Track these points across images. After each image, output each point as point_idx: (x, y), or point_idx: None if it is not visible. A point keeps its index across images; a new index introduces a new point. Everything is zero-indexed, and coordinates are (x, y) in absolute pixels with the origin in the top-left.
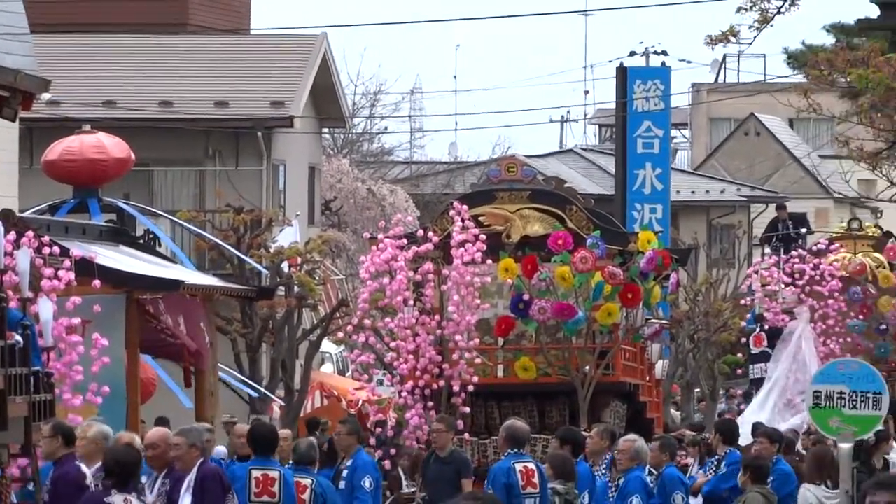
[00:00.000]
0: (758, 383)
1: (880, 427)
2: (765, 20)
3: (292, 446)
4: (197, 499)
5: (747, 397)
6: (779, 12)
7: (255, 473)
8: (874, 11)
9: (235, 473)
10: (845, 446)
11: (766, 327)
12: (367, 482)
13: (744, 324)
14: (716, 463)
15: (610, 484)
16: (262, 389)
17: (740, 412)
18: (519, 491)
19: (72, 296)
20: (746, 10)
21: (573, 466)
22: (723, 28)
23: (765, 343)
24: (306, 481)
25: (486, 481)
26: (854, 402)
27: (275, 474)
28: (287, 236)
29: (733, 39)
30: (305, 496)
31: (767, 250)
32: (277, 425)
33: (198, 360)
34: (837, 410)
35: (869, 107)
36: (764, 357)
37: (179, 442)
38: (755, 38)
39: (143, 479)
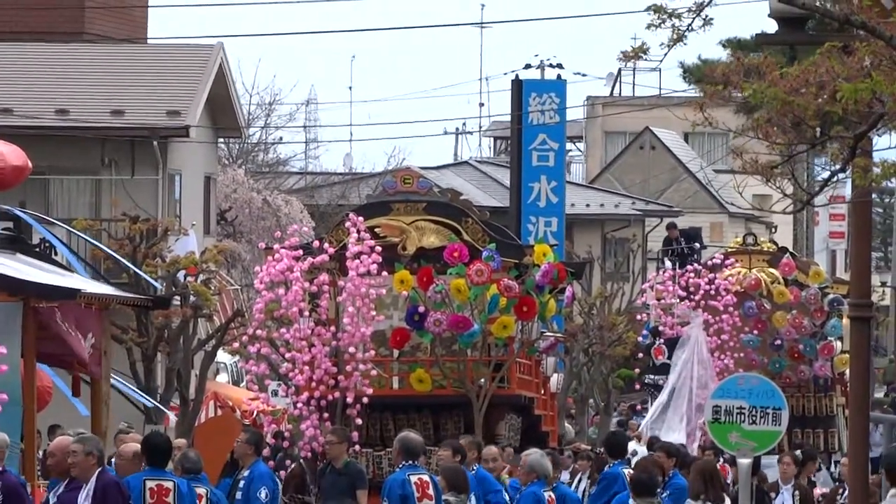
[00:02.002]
0: (652, 388)
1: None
2: (678, 38)
3: (181, 455)
4: None
5: (643, 406)
6: (690, 29)
7: (150, 484)
8: (771, 27)
9: (130, 484)
10: (745, 462)
11: (663, 340)
12: (262, 493)
13: (640, 339)
14: None
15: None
16: (155, 402)
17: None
18: (414, 502)
19: None
20: (657, 27)
21: (466, 478)
22: (631, 44)
23: (665, 355)
24: (201, 490)
25: (381, 493)
26: (754, 418)
27: (169, 485)
28: (185, 246)
29: (644, 56)
30: None
31: (668, 263)
32: (172, 435)
33: (90, 368)
34: (737, 426)
35: (765, 121)
36: (665, 369)
37: (77, 449)
38: (665, 55)
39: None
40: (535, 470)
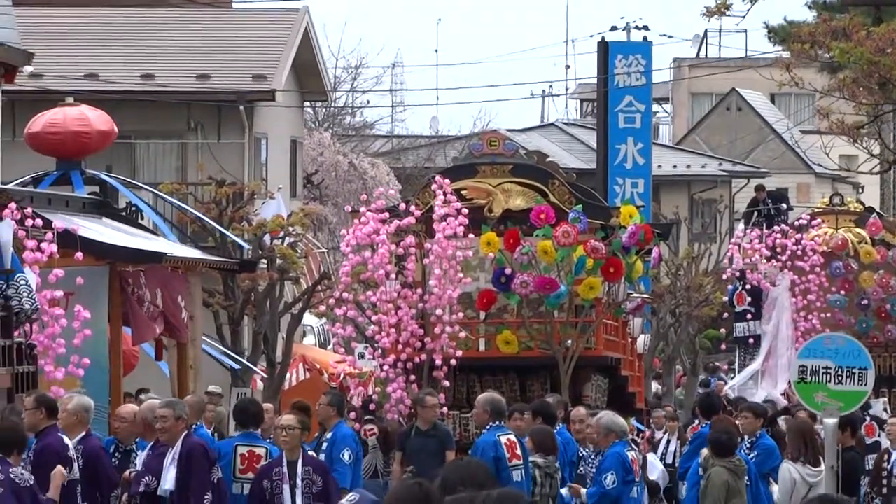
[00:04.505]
0: (742, 342)
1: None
2: None
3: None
4: (182, 471)
5: (730, 366)
6: None
7: (242, 450)
8: None
9: (221, 450)
10: (830, 422)
11: (749, 286)
12: (346, 455)
13: (725, 299)
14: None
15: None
16: (245, 361)
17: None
18: (506, 464)
19: (55, 268)
20: None
21: (554, 440)
22: (716, 1)
23: (747, 301)
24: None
25: (470, 454)
26: (840, 378)
27: (261, 451)
28: (272, 209)
29: (727, 12)
30: None
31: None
32: (259, 398)
33: (174, 333)
34: (823, 385)
35: (851, 81)
36: (744, 316)
37: (166, 414)
38: (749, 10)
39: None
40: (612, 430)
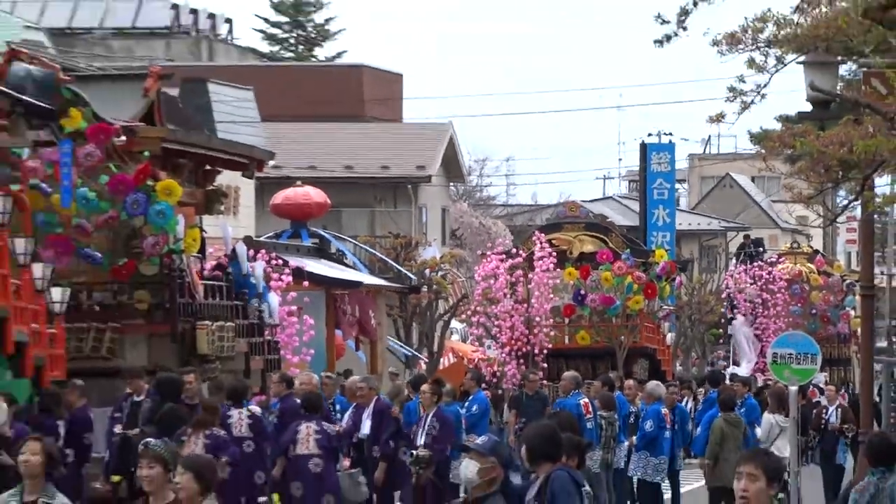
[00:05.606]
0: (732, 337)
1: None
2: (745, 107)
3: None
4: (375, 424)
5: (726, 353)
6: (752, 102)
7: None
8: (807, 106)
9: (410, 408)
10: (793, 389)
11: (735, 302)
12: (474, 408)
13: (723, 310)
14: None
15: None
16: (414, 352)
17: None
18: (584, 418)
19: (290, 291)
20: (731, 101)
21: (614, 401)
22: (716, 111)
23: (734, 311)
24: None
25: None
26: (799, 360)
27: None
28: (430, 253)
29: (723, 120)
30: None
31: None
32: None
33: (367, 334)
34: (788, 365)
35: (806, 168)
36: (729, 321)
37: (363, 386)
38: (737, 119)
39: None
40: (653, 394)
